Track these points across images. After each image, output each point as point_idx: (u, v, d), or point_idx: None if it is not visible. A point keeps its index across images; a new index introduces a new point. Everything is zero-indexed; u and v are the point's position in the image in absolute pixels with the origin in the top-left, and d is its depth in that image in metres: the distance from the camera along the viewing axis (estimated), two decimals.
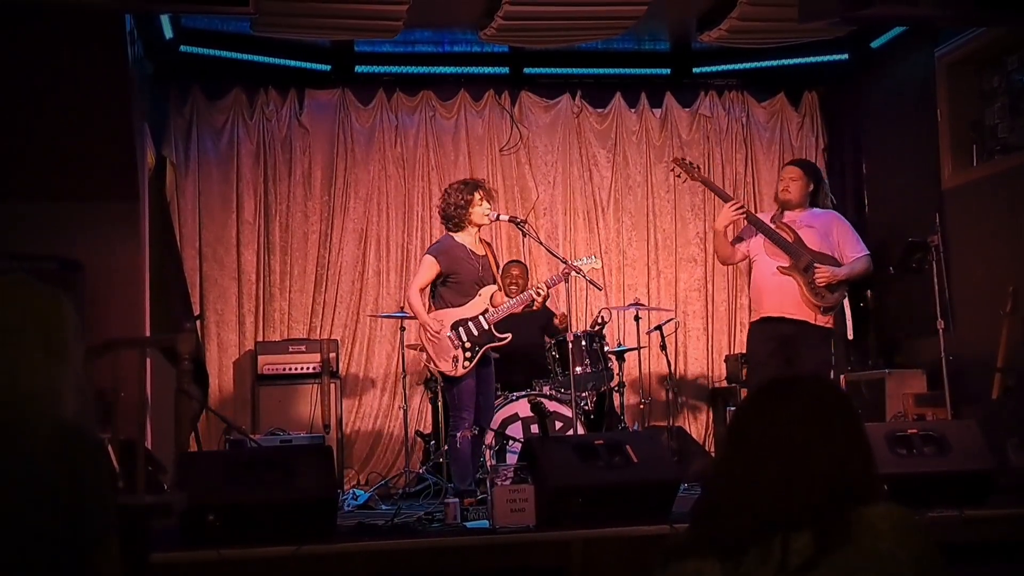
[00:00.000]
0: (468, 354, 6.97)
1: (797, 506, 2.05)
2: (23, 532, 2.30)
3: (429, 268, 7.09)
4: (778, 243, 7.18)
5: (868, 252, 7.34)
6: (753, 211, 7.41)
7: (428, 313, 7.09)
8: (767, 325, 7.21)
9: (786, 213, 7.34)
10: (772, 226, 7.24)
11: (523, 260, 9.39)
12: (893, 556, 1.97)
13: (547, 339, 8.76)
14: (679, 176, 7.85)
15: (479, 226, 7.16)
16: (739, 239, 7.48)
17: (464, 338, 7.00)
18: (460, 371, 6.96)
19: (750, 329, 7.46)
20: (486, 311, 7.08)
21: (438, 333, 6.98)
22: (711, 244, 8.22)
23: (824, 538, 1.99)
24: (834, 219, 7.39)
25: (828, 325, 7.18)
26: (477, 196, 7.09)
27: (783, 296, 7.13)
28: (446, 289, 7.12)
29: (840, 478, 2.08)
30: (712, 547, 2.06)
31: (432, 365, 7.17)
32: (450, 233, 7.17)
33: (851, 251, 7.23)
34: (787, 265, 7.13)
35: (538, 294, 7.21)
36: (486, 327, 7.06)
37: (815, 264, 7.07)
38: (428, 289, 7.20)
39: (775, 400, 2.22)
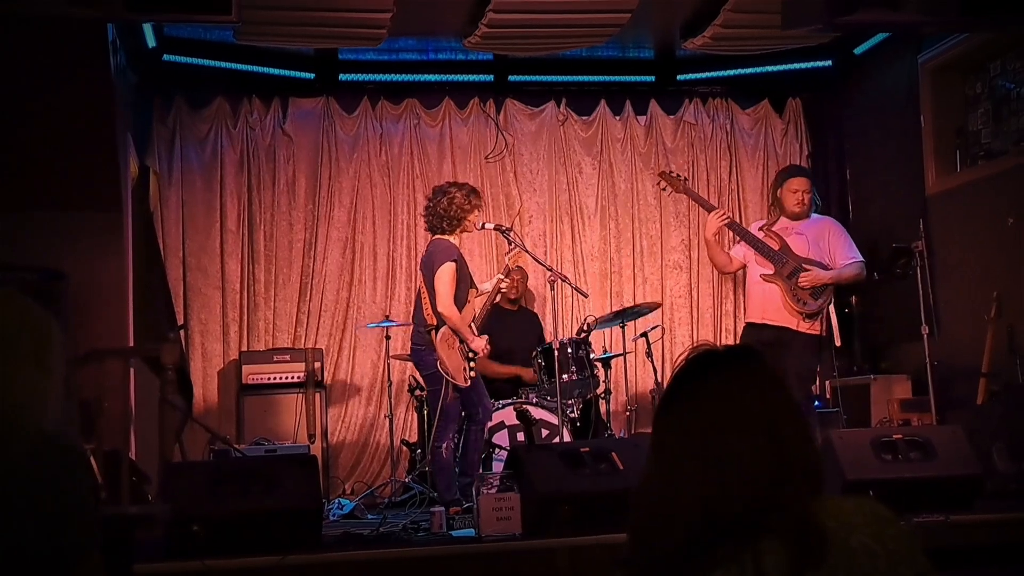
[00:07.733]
0: (472, 363, 7.10)
1: (734, 509, 1.77)
2: (3, 543, 2.28)
3: (454, 275, 7.13)
4: (761, 251, 7.23)
5: (861, 259, 7.39)
6: (738, 217, 7.46)
7: (438, 331, 7.10)
8: (752, 330, 7.29)
9: (782, 219, 7.38)
10: (760, 234, 7.28)
11: (509, 268, 9.36)
12: (867, 549, 1.77)
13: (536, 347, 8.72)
14: (664, 189, 7.93)
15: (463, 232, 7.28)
16: (734, 248, 7.56)
17: (467, 348, 7.11)
18: (468, 381, 7.11)
19: (741, 333, 7.55)
20: (475, 316, 7.18)
21: (456, 346, 7.10)
22: (705, 254, 8.34)
23: (797, 546, 1.74)
24: (828, 225, 7.45)
25: (813, 331, 7.20)
26: (480, 205, 7.25)
27: (765, 303, 7.20)
28: None
29: (778, 466, 1.80)
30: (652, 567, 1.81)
31: (451, 379, 7.13)
32: (443, 236, 7.20)
33: (842, 257, 7.27)
34: (770, 272, 7.17)
35: (504, 275, 7.60)
36: (475, 331, 7.20)
37: (801, 269, 7.11)
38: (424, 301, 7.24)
39: (689, 383, 1.93)
